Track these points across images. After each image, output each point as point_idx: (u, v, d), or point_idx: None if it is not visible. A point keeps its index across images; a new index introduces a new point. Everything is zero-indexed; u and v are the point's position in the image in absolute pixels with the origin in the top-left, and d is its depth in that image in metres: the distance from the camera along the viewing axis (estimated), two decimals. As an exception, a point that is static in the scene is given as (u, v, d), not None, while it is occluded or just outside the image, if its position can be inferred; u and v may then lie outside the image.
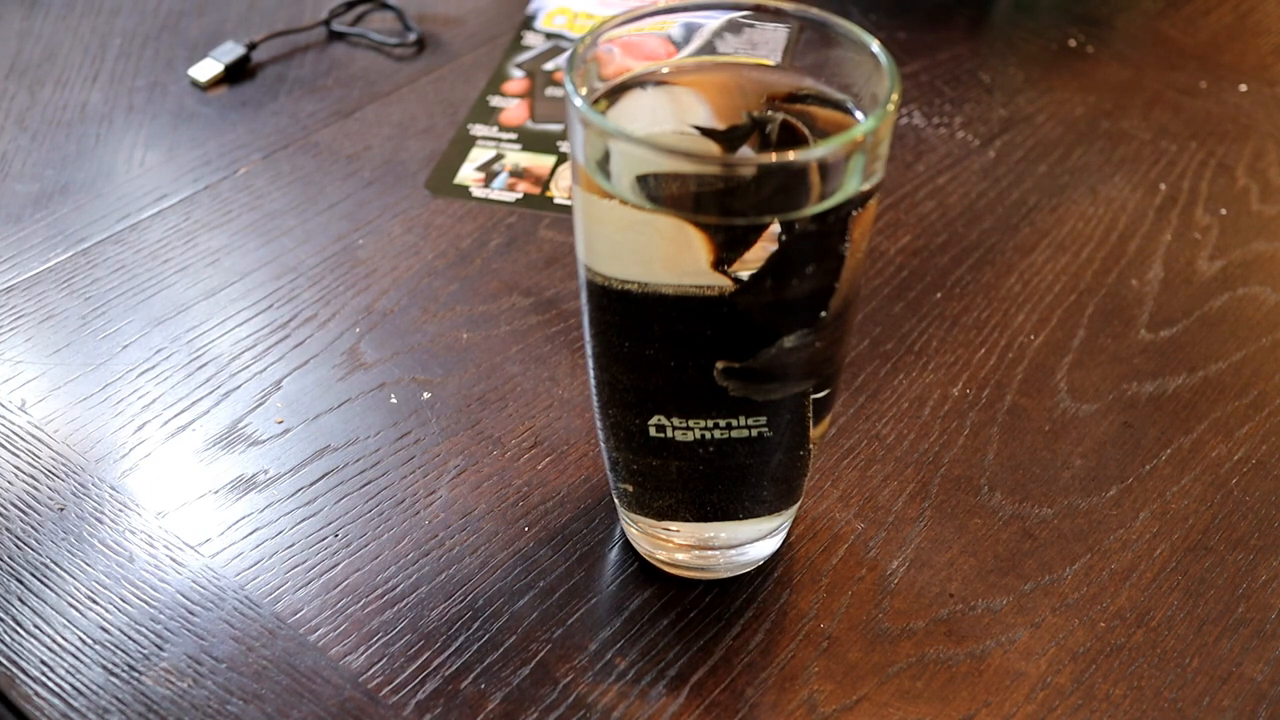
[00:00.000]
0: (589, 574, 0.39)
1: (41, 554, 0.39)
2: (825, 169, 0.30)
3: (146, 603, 0.38)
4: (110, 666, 0.36)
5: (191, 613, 0.38)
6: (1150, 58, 0.67)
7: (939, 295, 0.51)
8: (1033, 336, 0.49)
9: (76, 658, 0.37)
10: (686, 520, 0.37)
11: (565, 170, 0.56)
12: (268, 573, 0.39)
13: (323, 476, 0.42)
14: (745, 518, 0.38)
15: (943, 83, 0.64)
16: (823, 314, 0.32)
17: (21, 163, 0.56)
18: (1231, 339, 0.49)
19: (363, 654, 0.37)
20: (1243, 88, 0.64)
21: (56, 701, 0.36)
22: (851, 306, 0.34)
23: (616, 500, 0.40)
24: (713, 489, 0.36)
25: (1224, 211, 0.56)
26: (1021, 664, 0.37)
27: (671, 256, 0.31)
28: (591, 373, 0.35)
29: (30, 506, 0.41)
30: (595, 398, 0.36)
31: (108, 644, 0.37)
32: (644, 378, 0.33)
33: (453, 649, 0.37)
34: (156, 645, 0.37)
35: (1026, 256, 0.53)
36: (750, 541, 0.39)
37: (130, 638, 0.37)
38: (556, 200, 0.55)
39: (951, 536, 0.41)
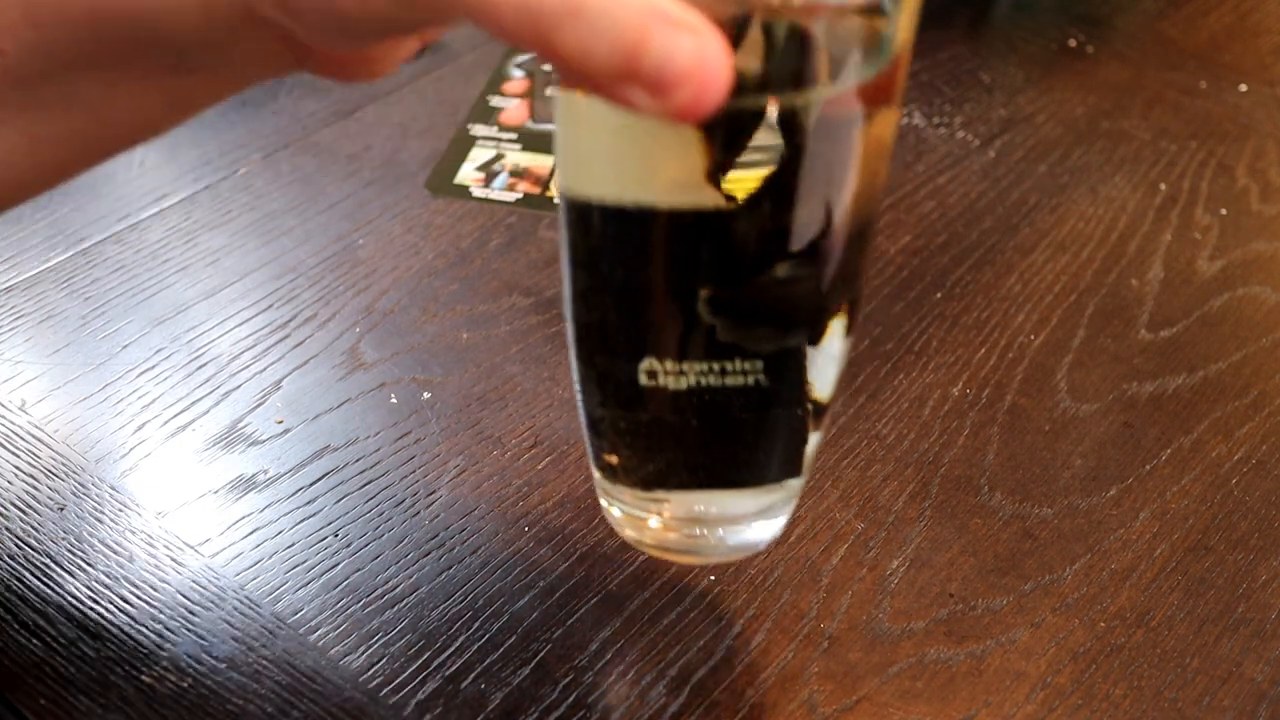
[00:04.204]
0: (589, 574, 0.39)
1: (41, 553, 0.39)
2: (835, 59, 0.28)
3: (146, 602, 0.38)
4: (110, 666, 0.36)
5: (191, 612, 0.38)
6: (1150, 58, 0.67)
7: (939, 295, 0.51)
8: (1033, 336, 0.49)
9: (77, 657, 0.37)
10: (677, 488, 0.35)
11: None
12: (268, 573, 0.39)
13: (323, 476, 0.42)
14: (740, 486, 0.35)
15: (943, 82, 0.64)
16: (819, 239, 0.30)
17: (21, 162, 0.56)
18: (1232, 339, 0.49)
19: (363, 654, 0.37)
20: (1243, 88, 0.64)
21: (57, 701, 0.36)
22: (856, 247, 0.32)
23: (598, 482, 0.38)
24: (706, 449, 0.34)
25: (1224, 211, 0.56)
26: (1022, 664, 0.37)
27: (665, 164, 0.29)
28: (573, 320, 0.33)
29: (30, 506, 0.41)
30: (577, 348, 0.34)
31: (108, 643, 0.37)
32: (634, 314, 0.31)
33: (453, 649, 0.37)
34: (156, 645, 0.37)
35: (1026, 256, 0.53)
36: (746, 518, 0.37)
37: (130, 637, 0.37)
38: (557, 200, 0.55)
39: (951, 536, 0.41)
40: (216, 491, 0.42)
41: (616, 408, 0.33)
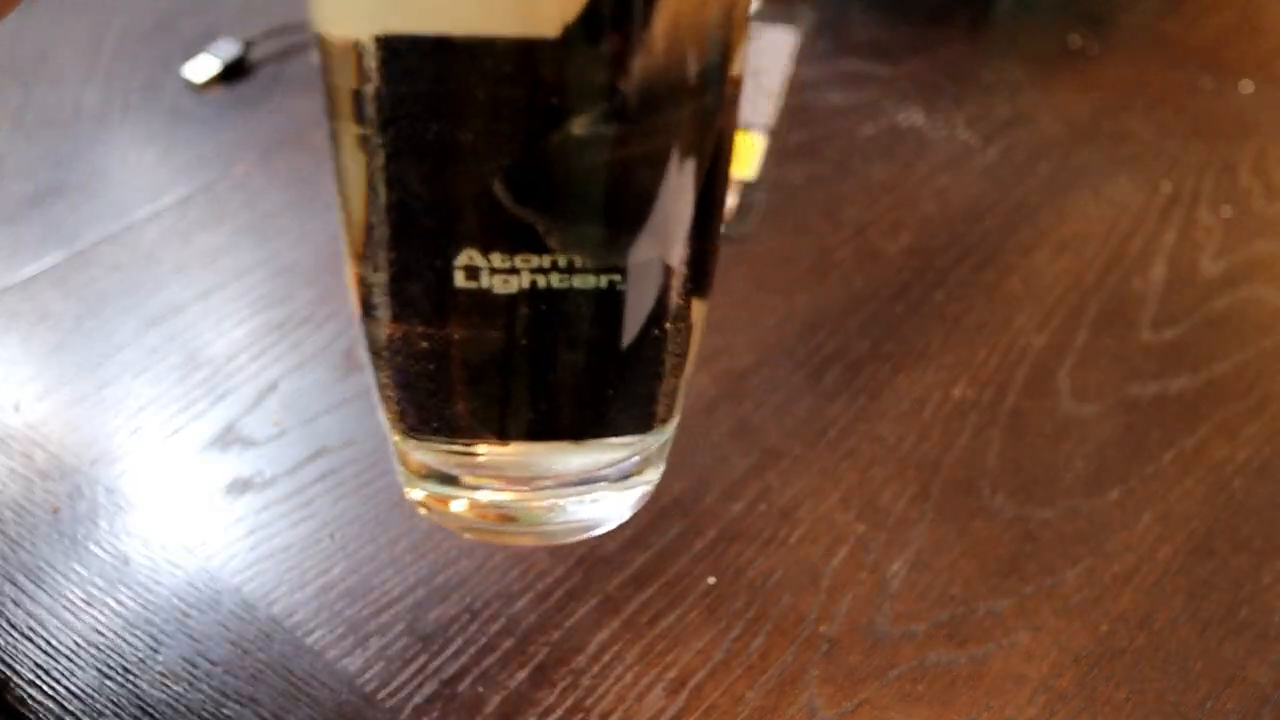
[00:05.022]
0: (587, 576, 0.39)
1: (36, 556, 0.39)
2: None
3: (142, 606, 0.38)
4: (105, 670, 0.36)
5: (187, 615, 0.38)
6: (1153, 56, 0.66)
7: (940, 296, 0.50)
8: (1034, 337, 0.49)
9: (71, 661, 0.36)
10: (496, 438, 0.27)
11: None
12: (264, 575, 0.39)
13: (319, 479, 0.42)
14: (581, 436, 0.28)
15: (944, 82, 0.63)
16: (620, 88, 0.23)
17: (16, 162, 0.56)
18: (1235, 340, 0.49)
19: (359, 657, 0.37)
20: (1247, 87, 0.64)
21: (51, 705, 0.35)
22: (717, 89, 0.24)
23: (395, 446, 0.29)
24: (539, 382, 0.26)
25: (1228, 211, 0.56)
26: (1023, 667, 0.37)
27: None
28: (354, 207, 0.26)
29: (25, 509, 0.41)
30: (364, 245, 0.26)
31: (103, 647, 0.37)
32: (452, 187, 0.24)
33: (450, 652, 0.37)
34: (152, 648, 0.37)
35: (1028, 257, 0.53)
36: (587, 482, 0.29)
37: (125, 641, 0.37)
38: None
39: (953, 538, 0.41)
40: (212, 494, 0.41)
41: (418, 323, 0.26)
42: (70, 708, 0.35)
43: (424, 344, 0.26)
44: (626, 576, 0.39)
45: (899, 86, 0.63)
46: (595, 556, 0.40)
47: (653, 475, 0.31)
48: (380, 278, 0.26)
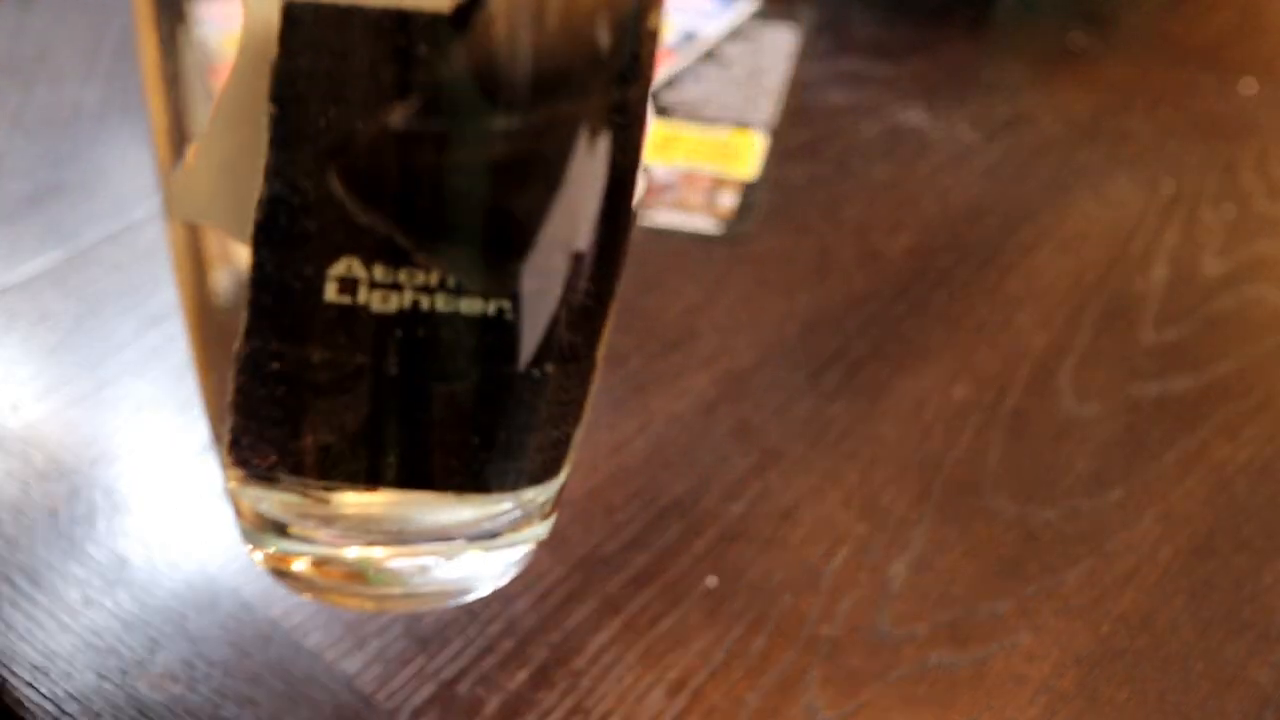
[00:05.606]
0: (587, 577, 0.39)
1: (34, 557, 0.39)
2: None
3: (140, 607, 0.38)
4: (103, 671, 0.36)
5: (186, 617, 0.38)
6: (1154, 56, 0.66)
7: (941, 296, 0.50)
8: (1035, 337, 0.49)
9: (69, 662, 0.36)
10: (355, 481, 0.24)
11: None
12: (263, 577, 0.39)
13: (319, 479, 0.42)
14: (451, 486, 0.25)
15: (945, 81, 0.63)
16: (453, 74, 0.20)
17: (15, 162, 0.56)
18: (1237, 340, 0.49)
19: (358, 659, 0.37)
20: (1248, 86, 0.64)
21: (49, 706, 0.35)
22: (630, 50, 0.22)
23: (232, 494, 0.27)
24: (409, 418, 0.23)
25: (1230, 211, 0.55)
26: (1024, 668, 0.37)
27: None
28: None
29: (23, 509, 0.41)
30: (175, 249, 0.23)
31: (101, 648, 0.37)
32: (339, 182, 0.21)
33: (448, 653, 0.37)
34: (150, 650, 0.37)
35: (1029, 257, 0.53)
36: (450, 538, 0.27)
37: (124, 642, 0.37)
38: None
39: (954, 539, 0.41)
40: (212, 495, 0.41)
41: (278, 341, 0.23)
42: (68, 709, 0.35)
43: (275, 365, 0.23)
44: (626, 577, 0.39)
45: (900, 86, 0.63)
46: (595, 557, 0.40)
47: (539, 531, 0.28)
48: (256, 282, 0.23)
